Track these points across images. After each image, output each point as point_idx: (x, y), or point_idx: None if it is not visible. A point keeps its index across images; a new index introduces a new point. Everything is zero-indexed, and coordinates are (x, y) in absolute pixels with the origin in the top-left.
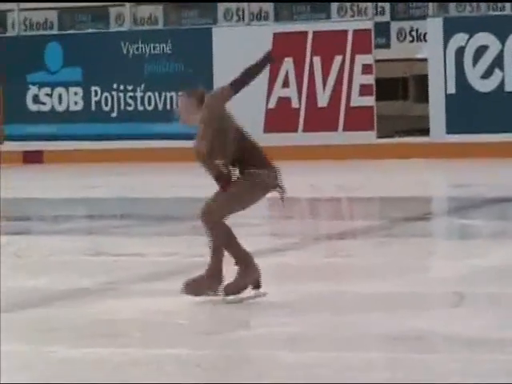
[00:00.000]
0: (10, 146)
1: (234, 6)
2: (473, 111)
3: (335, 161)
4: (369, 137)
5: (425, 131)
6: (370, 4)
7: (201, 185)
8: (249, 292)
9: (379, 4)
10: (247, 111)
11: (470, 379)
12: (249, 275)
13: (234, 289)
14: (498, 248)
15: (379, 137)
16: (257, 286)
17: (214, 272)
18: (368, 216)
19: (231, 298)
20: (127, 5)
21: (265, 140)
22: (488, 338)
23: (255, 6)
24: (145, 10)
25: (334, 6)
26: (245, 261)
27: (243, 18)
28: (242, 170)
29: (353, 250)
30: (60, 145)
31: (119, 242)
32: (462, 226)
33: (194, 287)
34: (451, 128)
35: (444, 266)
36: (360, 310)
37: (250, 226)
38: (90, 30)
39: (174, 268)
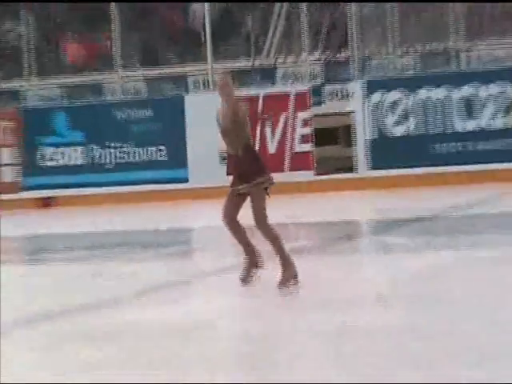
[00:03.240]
0: (28, 194)
1: (200, 78)
2: (388, 151)
3: (283, 195)
4: (308, 175)
5: (352, 168)
6: (308, 70)
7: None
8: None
9: (314, 71)
10: (214, 153)
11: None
12: (290, 268)
13: (286, 281)
14: (414, 259)
15: (317, 174)
16: (295, 277)
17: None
18: (307, 237)
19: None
20: (117, 79)
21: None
22: (399, 327)
23: (218, 72)
24: (131, 84)
25: (280, 73)
26: (287, 256)
27: (208, 87)
28: (251, 180)
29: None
30: (67, 191)
31: (119, 264)
32: (382, 242)
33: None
34: (372, 165)
35: (367, 274)
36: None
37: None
38: (88, 102)
39: (162, 283)
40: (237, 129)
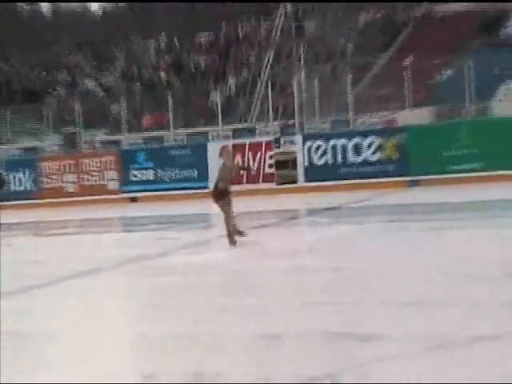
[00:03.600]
0: (123, 195)
1: (215, 133)
2: (315, 172)
3: (258, 196)
4: (272, 185)
5: (295, 181)
6: (272, 129)
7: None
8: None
9: (276, 130)
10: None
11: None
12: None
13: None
14: (329, 229)
15: (277, 184)
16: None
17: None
18: (271, 218)
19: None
20: (171, 135)
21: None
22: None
23: (225, 131)
24: (179, 136)
25: (257, 130)
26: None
27: (218, 138)
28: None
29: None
30: (144, 194)
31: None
32: (312, 220)
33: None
34: (306, 179)
35: (304, 237)
36: None
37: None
38: (155, 146)
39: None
40: (228, 177)
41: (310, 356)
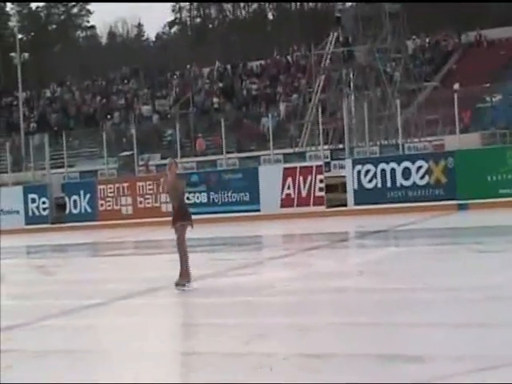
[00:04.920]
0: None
1: (266, 158)
2: (364, 195)
3: (310, 218)
4: (323, 208)
5: (346, 204)
6: (322, 154)
7: None
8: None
9: (324, 153)
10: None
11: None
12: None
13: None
14: (377, 252)
15: (327, 207)
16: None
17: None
18: (322, 240)
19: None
20: (224, 159)
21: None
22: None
23: (276, 155)
24: (230, 160)
25: (308, 155)
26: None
27: (270, 162)
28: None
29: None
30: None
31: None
32: (360, 243)
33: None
34: (355, 202)
35: (353, 258)
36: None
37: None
38: (209, 170)
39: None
40: (175, 193)
41: (358, 374)
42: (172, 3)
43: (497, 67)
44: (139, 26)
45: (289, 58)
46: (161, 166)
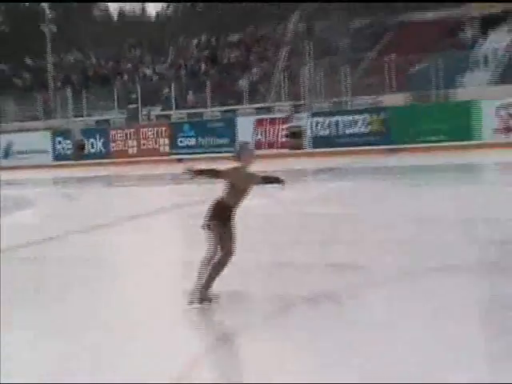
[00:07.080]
0: (172, 157)
1: (242, 110)
2: (319, 142)
3: (274, 159)
4: (286, 150)
5: (300, 148)
6: (286, 107)
7: None
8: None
9: (288, 108)
10: None
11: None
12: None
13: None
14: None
15: (290, 150)
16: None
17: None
18: None
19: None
20: (209, 110)
21: None
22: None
23: (250, 109)
24: (214, 112)
25: (275, 108)
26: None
27: (246, 115)
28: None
29: None
30: (186, 156)
31: None
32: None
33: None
34: (313, 146)
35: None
36: None
37: None
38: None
39: None
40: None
41: (314, 280)
42: None
43: (427, 42)
44: (143, 7)
45: (260, 32)
46: (160, 117)
